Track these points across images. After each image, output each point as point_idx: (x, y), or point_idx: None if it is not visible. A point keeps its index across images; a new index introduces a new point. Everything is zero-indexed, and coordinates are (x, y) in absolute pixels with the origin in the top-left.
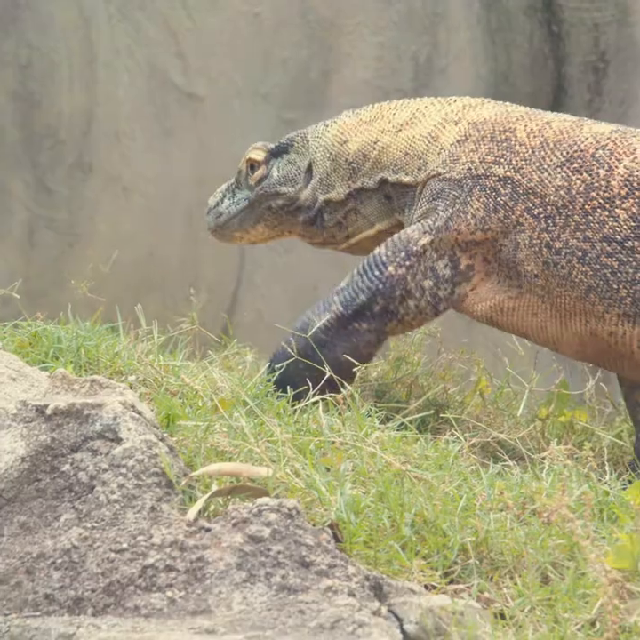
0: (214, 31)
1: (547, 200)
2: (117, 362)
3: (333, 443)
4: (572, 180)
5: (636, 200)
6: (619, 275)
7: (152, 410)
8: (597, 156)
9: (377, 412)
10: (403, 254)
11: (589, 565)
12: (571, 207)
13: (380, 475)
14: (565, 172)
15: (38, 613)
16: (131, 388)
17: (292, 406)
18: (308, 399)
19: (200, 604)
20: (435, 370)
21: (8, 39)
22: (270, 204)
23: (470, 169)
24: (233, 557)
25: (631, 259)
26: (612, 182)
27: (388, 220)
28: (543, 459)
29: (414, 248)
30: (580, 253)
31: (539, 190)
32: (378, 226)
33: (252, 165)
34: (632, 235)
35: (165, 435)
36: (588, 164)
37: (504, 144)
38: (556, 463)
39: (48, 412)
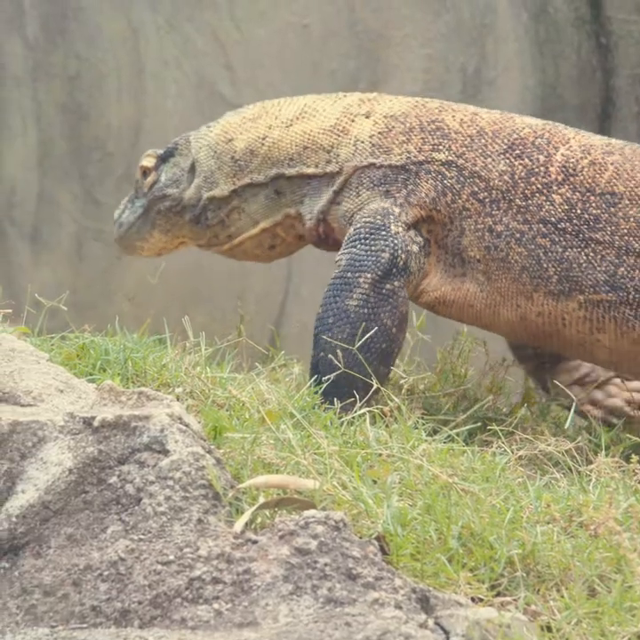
0: (262, 42)
1: (491, 184)
2: (165, 374)
3: (380, 455)
4: (514, 165)
5: (571, 186)
6: (549, 254)
7: (199, 422)
8: (537, 143)
9: (424, 425)
10: (391, 218)
11: (636, 578)
12: (513, 191)
13: (427, 487)
14: (508, 158)
15: (85, 625)
16: (178, 400)
17: (340, 418)
18: (356, 411)
19: (247, 617)
20: (482, 382)
21: (57, 51)
22: (159, 206)
23: (409, 157)
24: (280, 570)
25: (562, 239)
26: (551, 168)
27: (272, 218)
28: (590, 471)
29: (395, 214)
30: (518, 235)
31: (483, 174)
32: (262, 224)
33: (145, 172)
34: (565, 217)
35: (212, 447)
36: (529, 150)
37: (437, 133)
38: (603, 476)
39: (95, 423)
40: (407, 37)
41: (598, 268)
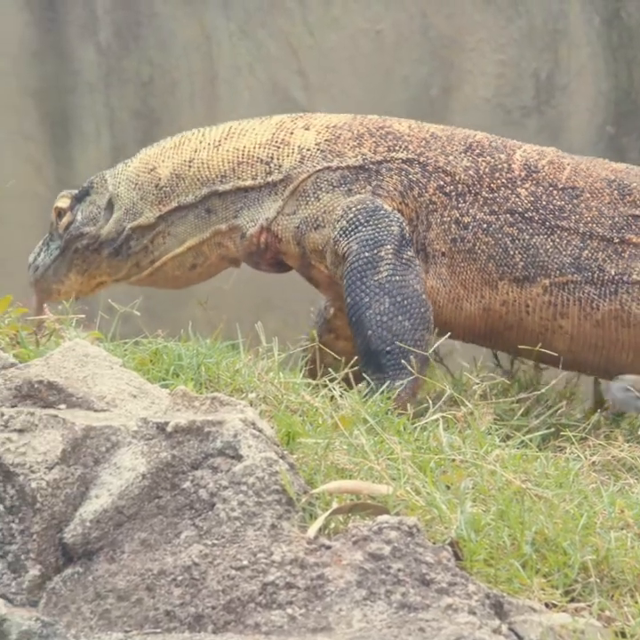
0: (335, 48)
1: (457, 179)
2: (238, 379)
3: (454, 460)
4: (478, 162)
5: (534, 181)
6: (517, 242)
7: (272, 427)
8: (494, 145)
9: (497, 430)
10: (378, 200)
11: None
12: (479, 185)
13: (501, 493)
14: (470, 156)
15: (159, 630)
16: (251, 405)
17: (413, 424)
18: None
19: (320, 622)
20: (555, 387)
21: (130, 57)
22: (77, 245)
23: (365, 158)
24: (353, 575)
25: (529, 227)
26: (513, 165)
27: (200, 235)
28: None
29: (378, 200)
30: (485, 225)
31: (448, 169)
32: (188, 242)
33: (60, 213)
34: (531, 208)
35: (285, 452)
36: (489, 150)
37: (389, 136)
38: None
39: (169, 429)
40: (480, 43)
41: (564, 253)
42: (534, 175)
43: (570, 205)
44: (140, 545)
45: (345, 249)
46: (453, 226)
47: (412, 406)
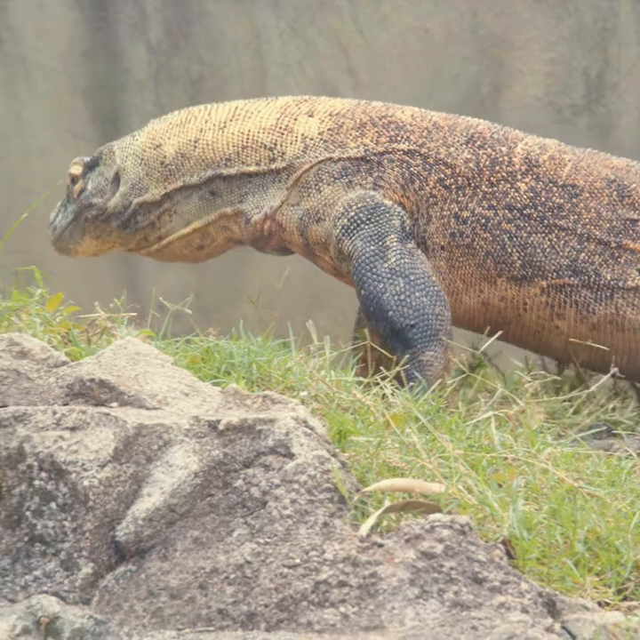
0: (385, 47)
1: (457, 171)
2: (289, 377)
3: (505, 459)
4: (478, 154)
5: (534, 176)
6: (514, 239)
7: (324, 425)
8: (496, 137)
9: (549, 428)
10: (378, 197)
11: None
12: (479, 178)
13: (553, 491)
14: (471, 148)
15: (212, 628)
16: (302, 403)
17: (464, 422)
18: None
19: (373, 620)
20: (606, 385)
21: (179, 55)
22: (87, 215)
23: (367, 149)
24: (406, 573)
25: (526, 224)
26: (514, 159)
27: (206, 218)
28: None
29: (378, 195)
30: (483, 220)
31: (449, 161)
32: (194, 224)
33: (73, 179)
34: (530, 203)
35: (337, 450)
36: (490, 142)
37: (391, 126)
38: None
39: (220, 427)
40: (530, 41)
41: (561, 254)
42: (535, 170)
43: (569, 204)
44: (193, 543)
45: (350, 248)
46: (452, 220)
47: (449, 377)
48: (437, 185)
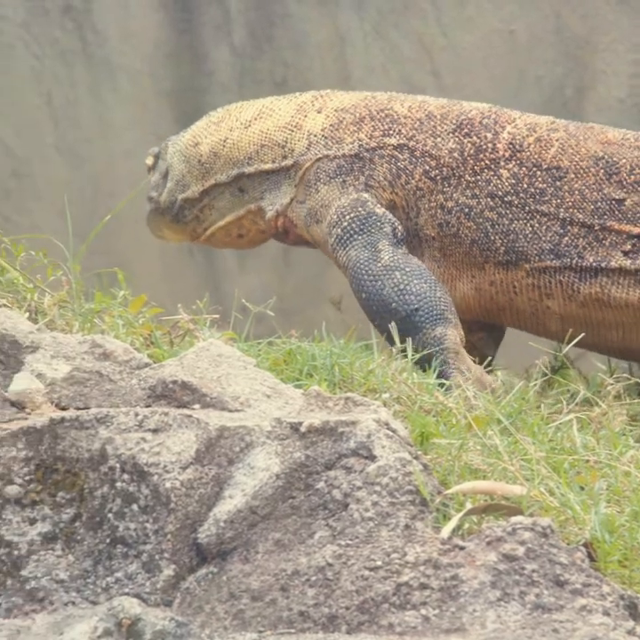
0: (469, 49)
1: (442, 162)
2: (371, 380)
3: (588, 461)
4: (463, 143)
5: (518, 161)
6: (496, 227)
7: (406, 428)
8: (484, 122)
9: (631, 431)
10: (370, 204)
11: None
12: (463, 168)
13: (635, 493)
14: (457, 136)
15: (293, 630)
16: (385, 405)
17: (546, 425)
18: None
19: (454, 623)
20: None
21: (263, 57)
22: (151, 207)
23: (361, 145)
24: (487, 576)
25: (508, 211)
26: (498, 145)
27: (236, 212)
28: None
29: (370, 200)
30: (466, 210)
31: (434, 153)
32: (228, 217)
33: (148, 170)
34: (511, 191)
35: (419, 453)
36: (477, 129)
37: (387, 119)
38: None
39: (302, 429)
40: (614, 43)
41: (543, 239)
42: (519, 154)
43: (552, 188)
44: (274, 545)
45: (344, 259)
46: (439, 211)
47: (465, 355)
48: (423, 177)
